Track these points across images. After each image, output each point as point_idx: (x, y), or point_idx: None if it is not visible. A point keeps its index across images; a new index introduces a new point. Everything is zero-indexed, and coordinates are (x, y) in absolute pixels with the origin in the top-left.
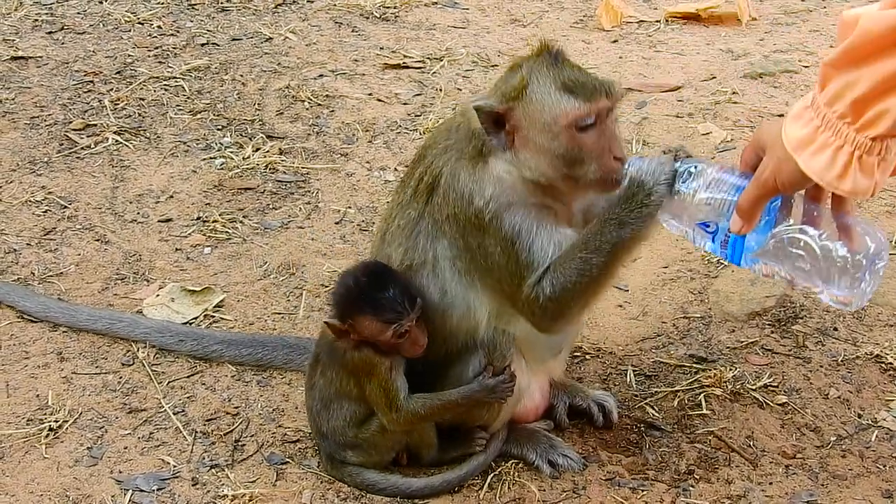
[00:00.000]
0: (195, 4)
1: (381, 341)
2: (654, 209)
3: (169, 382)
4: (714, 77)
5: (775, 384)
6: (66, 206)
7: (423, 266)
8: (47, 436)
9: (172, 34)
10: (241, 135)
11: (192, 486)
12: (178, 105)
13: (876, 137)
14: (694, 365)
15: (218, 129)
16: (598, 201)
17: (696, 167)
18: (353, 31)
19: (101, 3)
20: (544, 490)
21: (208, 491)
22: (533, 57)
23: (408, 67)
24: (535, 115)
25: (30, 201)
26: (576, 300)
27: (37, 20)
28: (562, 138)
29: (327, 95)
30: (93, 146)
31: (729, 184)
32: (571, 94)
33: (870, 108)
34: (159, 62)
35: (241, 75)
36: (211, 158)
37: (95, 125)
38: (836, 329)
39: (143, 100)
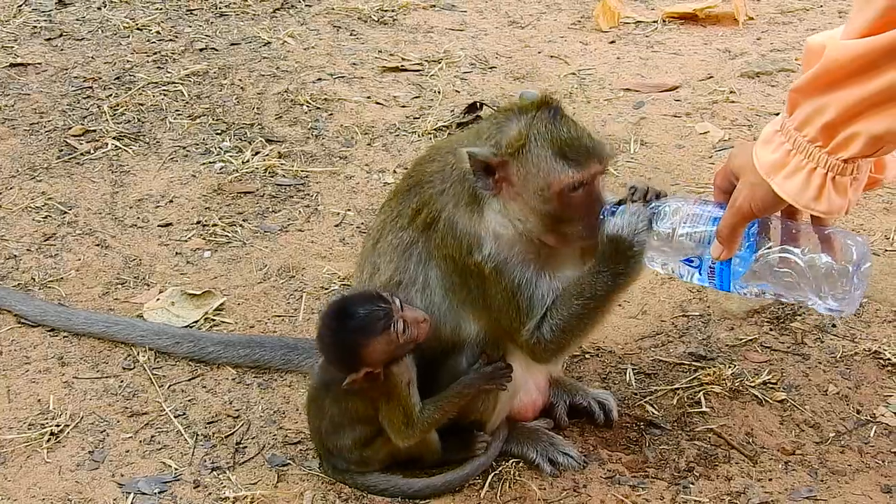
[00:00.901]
0: (193, 10)
1: (395, 351)
2: (639, 257)
3: (170, 386)
4: (711, 77)
5: (774, 381)
6: (66, 212)
7: (412, 284)
8: (49, 440)
9: (171, 40)
10: (241, 139)
11: (194, 488)
12: (177, 110)
13: (848, 159)
14: (693, 363)
15: (217, 134)
16: None
17: (669, 206)
18: (351, 34)
19: (99, 9)
20: (545, 489)
21: (210, 493)
22: (532, 109)
23: (406, 70)
24: (530, 176)
25: (30, 207)
26: (574, 340)
27: (35, 27)
28: (552, 201)
29: (326, 99)
30: (92, 152)
31: (705, 216)
32: (566, 161)
33: (840, 132)
34: (158, 67)
35: (240, 80)
36: (210, 163)
37: (95, 131)
38: (834, 326)
39: (142, 105)
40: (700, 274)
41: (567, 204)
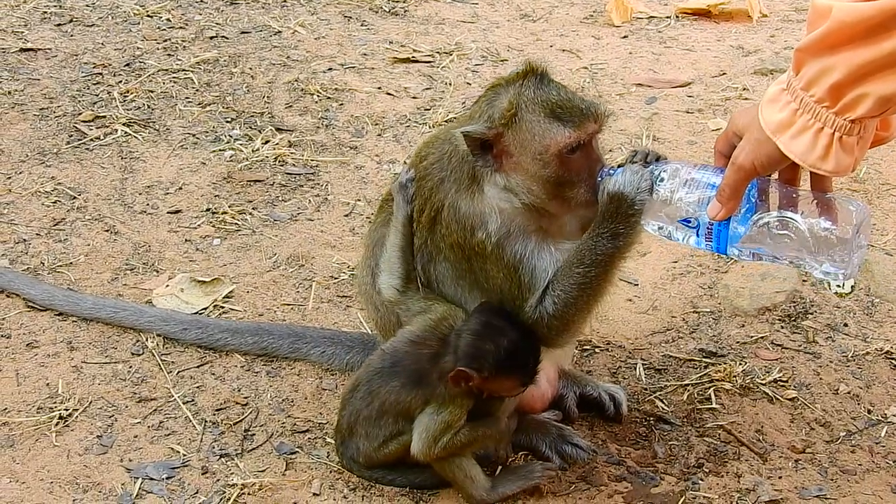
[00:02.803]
0: None
1: (502, 394)
2: (638, 217)
3: (178, 372)
4: (724, 73)
5: (785, 379)
6: (75, 197)
7: (423, 283)
8: (57, 424)
9: (181, 27)
10: (251, 127)
11: (202, 474)
12: (187, 97)
13: (855, 120)
14: (703, 359)
15: (227, 122)
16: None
17: (668, 167)
18: (362, 25)
19: None
20: (553, 481)
21: (218, 480)
22: (519, 79)
23: (417, 62)
24: (526, 143)
25: (39, 192)
26: (578, 313)
27: (45, 12)
28: (552, 164)
29: (336, 89)
30: (102, 138)
31: (704, 180)
32: (561, 122)
33: (847, 93)
34: (168, 55)
35: (251, 68)
36: (220, 150)
37: (104, 117)
38: (846, 325)
39: (152, 92)
40: (697, 236)
41: (567, 166)
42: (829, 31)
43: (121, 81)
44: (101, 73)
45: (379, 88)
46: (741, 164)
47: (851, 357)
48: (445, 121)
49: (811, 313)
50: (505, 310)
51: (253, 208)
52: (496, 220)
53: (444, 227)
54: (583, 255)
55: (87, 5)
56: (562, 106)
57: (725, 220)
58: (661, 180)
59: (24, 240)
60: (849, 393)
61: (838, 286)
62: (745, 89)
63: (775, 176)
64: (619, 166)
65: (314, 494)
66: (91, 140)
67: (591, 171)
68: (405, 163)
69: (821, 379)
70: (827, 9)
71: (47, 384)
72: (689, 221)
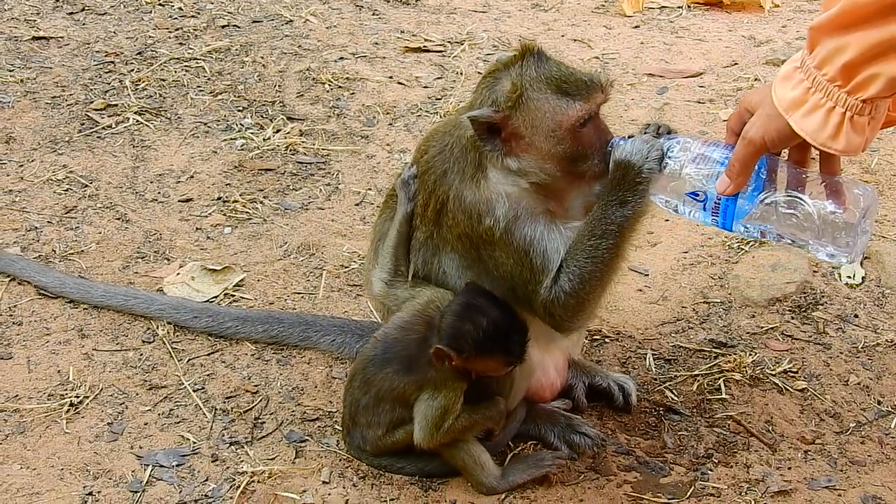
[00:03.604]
0: None
1: (488, 374)
2: (647, 185)
3: (189, 360)
4: (736, 63)
5: (795, 370)
6: (87, 185)
7: (428, 277)
8: (68, 411)
9: (193, 16)
10: (262, 116)
11: (212, 462)
12: (198, 86)
13: (866, 100)
14: (714, 350)
15: (238, 111)
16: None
17: (679, 141)
18: (373, 14)
19: None
20: (563, 471)
21: (228, 467)
22: (517, 61)
23: (428, 51)
24: (537, 122)
25: (51, 180)
26: (593, 289)
27: (58, 1)
28: (566, 140)
29: (348, 78)
30: (114, 126)
31: (715, 153)
32: (569, 97)
33: (860, 73)
34: (180, 43)
35: (262, 57)
36: (231, 139)
37: (116, 105)
38: (856, 316)
39: (163, 81)
40: (704, 210)
41: (579, 140)
42: (842, 11)
43: (132, 70)
44: (112, 62)
45: (390, 78)
46: (751, 139)
47: (862, 348)
48: (457, 111)
49: (821, 304)
50: (488, 291)
51: (264, 197)
52: (503, 204)
53: (450, 219)
54: (593, 227)
55: None
56: (566, 81)
57: (733, 196)
58: (672, 153)
59: (36, 227)
60: (859, 384)
61: (849, 276)
62: (756, 79)
63: (785, 156)
64: (629, 137)
65: (324, 482)
66: (103, 128)
67: (601, 141)
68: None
69: (831, 370)
70: None
71: (58, 371)
72: (697, 195)
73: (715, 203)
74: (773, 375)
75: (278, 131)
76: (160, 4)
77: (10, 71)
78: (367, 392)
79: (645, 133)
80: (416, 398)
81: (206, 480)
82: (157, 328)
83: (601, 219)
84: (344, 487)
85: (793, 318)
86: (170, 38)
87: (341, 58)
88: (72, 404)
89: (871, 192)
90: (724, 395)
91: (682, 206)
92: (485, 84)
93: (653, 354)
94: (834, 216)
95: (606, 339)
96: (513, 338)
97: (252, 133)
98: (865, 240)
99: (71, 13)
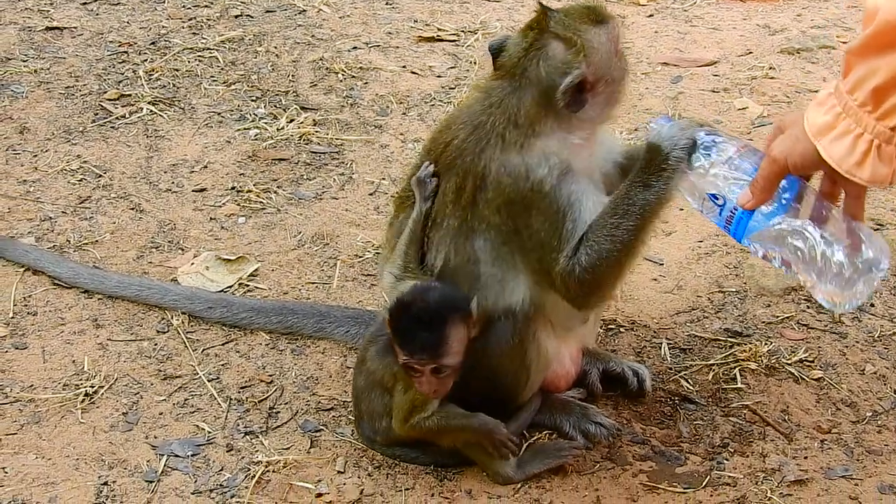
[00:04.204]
0: None
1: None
2: (672, 173)
3: (203, 350)
4: (751, 52)
5: (811, 359)
6: (101, 175)
7: (458, 266)
8: (83, 401)
9: (206, 6)
10: (275, 106)
11: (227, 451)
12: (212, 76)
13: (895, 128)
14: (729, 339)
15: (252, 101)
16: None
17: (716, 140)
18: (386, 3)
19: None
20: (578, 460)
21: (243, 457)
22: (541, 23)
23: (442, 40)
24: (601, 59)
25: (65, 170)
26: (610, 269)
27: None
28: (623, 62)
29: (361, 68)
30: (127, 116)
31: (747, 163)
32: (604, 22)
33: (890, 97)
34: (193, 33)
35: (275, 47)
36: (245, 129)
37: (130, 95)
38: (872, 305)
39: (177, 71)
40: (720, 215)
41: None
42: (875, 33)
43: (146, 60)
44: (126, 52)
45: (403, 67)
46: (775, 157)
47: (878, 337)
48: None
49: None
50: (432, 288)
51: (278, 187)
52: (555, 158)
53: (490, 191)
54: (616, 205)
55: None
56: (593, 13)
57: (750, 210)
58: (707, 150)
59: (51, 217)
60: (875, 373)
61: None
62: (771, 68)
63: (817, 185)
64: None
65: (338, 472)
66: (116, 118)
67: None
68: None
69: (847, 359)
70: (874, 10)
71: (73, 361)
72: (717, 199)
73: (731, 212)
74: (789, 365)
75: (292, 121)
76: None
77: (24, 61)
78: (360, 373)
79: (689, 121)
80: (393, 387)
81: (221, 470)
82: (172, 318)
83: (625, 198)
84: (359, 477)
85: (808, 307)
86: (183, 28)
87: (354, 47)
88: (87, 394)
89: (885, 250)
90: (739, 385)
91: (701, 204)
92: (532, 59)
93: (668, 344)
94: (838, 267)
95: (621, 329)
96: (410, 333)
97: (265, 123)
98: (866, 295)
99: (84, 3)
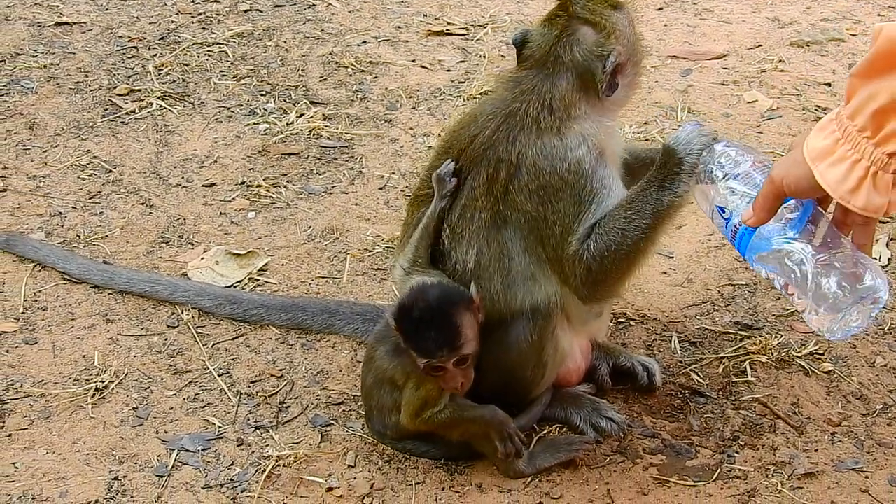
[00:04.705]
0: None
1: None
2: (685, 177)
3: (214, 344)
4: (760, 45)
5: (821, 352)
6: (110, 170)
7: (491, 259)
8: (93, 396)
9: (215, 1)
10: (285, 100)
11: (237, 446)
12: (221, 71)
13: (893, 154)
14: (739, 332)
15: (261, 95)
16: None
17: (736, 152)
18: None
19: None
20: (588, 454)
21: (253, 452)
22: (570, 10)
23: (451, 34)
24: (628, 41)
25: (75, 165)
26: (618, 263)
27: None
28: (642, 49)
29: (371, 62)
30: (137, 111)
31: (760, 177)
32: (622, 7)
33: (889, 122)
34: (203, 28)
35: (285, 41)
36: (255, 124)
37: (139, 90)
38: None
39: (186, 65)
40: (725, 228)
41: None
42: (877, 54)
43: (155, 55)
44: (136, 47)
45: (413, 61)
46: (772, 177)
47: (888, 330)
48: (480, 94)
49: None
50: (432, 286)
51: (287, 181)
52: (593, 139)
53: (526, 175)
54: (631, 201)
55: None
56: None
57: (753, 228)
58: (722, 160)
59: (60, 213)
60: (885, 366)
61: (875, 259)
62: (780, 61)
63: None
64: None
65: (349, 466)
66: (126, 113)
67: None
68: (439, 136)
69: (857, 352)
70: (878, 30)
71: (83, 356)
72: (724, 211)
73: (735, 227)
74: (800, 358)
75: (301, 116)
76: None
77: (34, 57)
78: (369, 371)
79: (706, 128)
80: (404, 385)
81: (232, 465)
82: (182, 313)
83: (640, 195)
84: (369, 471)
85: None
86: (192, 22)
87: (364, 42)
88: (97, 389)
89: (881, 281)
90: (749, 378)
91: (711, 213)
92: (565, 45)
93: (678, 337)
94: (832, 291)
95: (632, 322)
96: (422, 336)
97: (275, 117)
98: (862, 324)
99: None
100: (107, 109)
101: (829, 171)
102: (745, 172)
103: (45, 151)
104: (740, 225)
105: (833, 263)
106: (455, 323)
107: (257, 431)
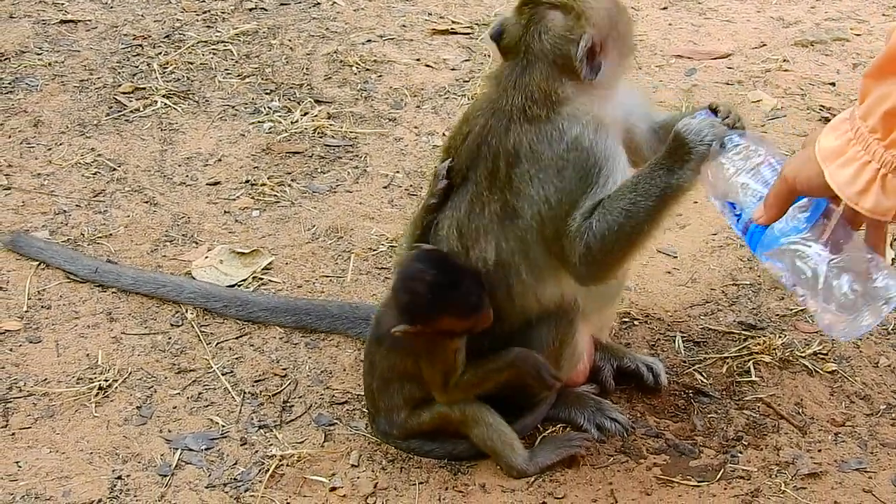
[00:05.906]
0: None
1: (456, 332)
2: (694, 165)
3: (217, 343)
4: (764, 45)
5: (825, 352)
6: (115, 169)
7: (513, 252)
8: (97, 395)
9: None
10: (289, 99)
11: (241, 445)
12: (226, 69)
13: None
14: (743, 332)
15: (266, 94)
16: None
17: (746, 145)
18: None
19: None
20: (592, 454)
21: (257, 451)
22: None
23: (456, 33)
24: (605, 20)
25: (79, 163)
26: (619, 245)
27: None
28: (625, 16)
29: (375, 61)
30: (141, 109)
31: (770, 174)
32: None
33: None
34: (207, 26)
35: (289, 40)
36: (259, 122)
37: (144, 88)
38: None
39: (191, 64)
40: (736, 224)
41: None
42: (888, 56)
43: (160, 53)
44: (140, 45)
45: (418, 60)
46: (784, 175)
47: (892, 330)
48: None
49: None
50: (428, 252)
51: (292, 180)
52: (587, 116)
53: (526, 162)
54: (637, 182)
55: None
56: None
57: (763, 225)
58: (731, 154)
59: (65, 211)
60: (889, 366)
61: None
62: (785, 60)
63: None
64: (711, 110)
65: (353, 466)
66: (131, 112)
67: None
68: (444, 135)
69: (861, 352)
70: (891, 30)
71: (87, 355)
72: (735, 207)
73: (746, 223)
74: (803, 358)
75: (306, 114)
76: None
77: (39, 54)
78: (373, 375)
79: (715, 111)
80: (419, 370)
81: (235, 464)
82: (186, 312)
83: (647, 177)
84: (373, 471)
85: None
86: (197, 20)
87: (368, 40)
88: (101, 388)
89: (890, 289)
90: (753, 378)
91: (722, 207)
92: (533, 34)
93: (682, 337)
94: (842, 292)
95: (635, 322)
96: (455, 295)
97: (280, 116)
98: (872, 323)
99: None
100: (111, 107)
101: (839, 171)
102: (757, 168)
103: (50, 149)
104: (751, 221)
105: (845, 263)
106: (465, 267)
107: (261, 431)
